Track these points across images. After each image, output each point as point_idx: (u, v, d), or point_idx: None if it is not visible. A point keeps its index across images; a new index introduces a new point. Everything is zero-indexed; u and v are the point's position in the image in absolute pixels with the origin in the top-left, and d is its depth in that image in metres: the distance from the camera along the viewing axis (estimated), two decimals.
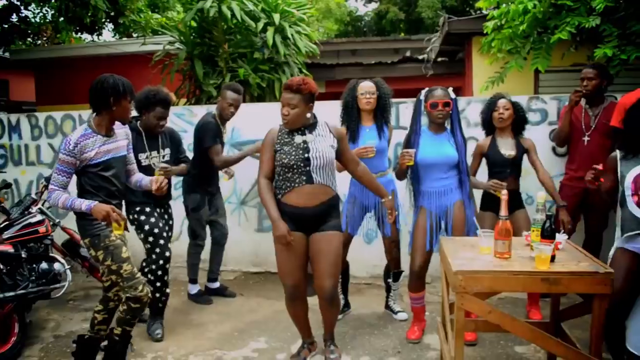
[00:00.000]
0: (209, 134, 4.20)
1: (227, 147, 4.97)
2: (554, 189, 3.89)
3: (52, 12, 8.91)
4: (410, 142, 3.54)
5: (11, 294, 3.61)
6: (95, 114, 3.03)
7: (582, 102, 4.15)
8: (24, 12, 9.72)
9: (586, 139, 4.11)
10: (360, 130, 3.83)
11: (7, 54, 9.80)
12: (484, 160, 3.95)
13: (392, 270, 4.04)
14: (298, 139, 3.09)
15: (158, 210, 3.94)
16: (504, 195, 2.72)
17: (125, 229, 3.02)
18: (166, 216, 4.07)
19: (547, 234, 2.59)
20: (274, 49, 6.07)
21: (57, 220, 4.58)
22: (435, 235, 3.51)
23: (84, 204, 2.90)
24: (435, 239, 3.48)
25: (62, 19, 8.39)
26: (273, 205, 3.07)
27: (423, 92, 3.55)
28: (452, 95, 3.48)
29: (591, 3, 4.24)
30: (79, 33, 10.76)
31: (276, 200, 3.13)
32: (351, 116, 3.81)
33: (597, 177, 3.06)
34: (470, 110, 4.73)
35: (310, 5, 7.12)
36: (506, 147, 3.83)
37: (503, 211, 2.67)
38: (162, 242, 3.80)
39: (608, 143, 4.04)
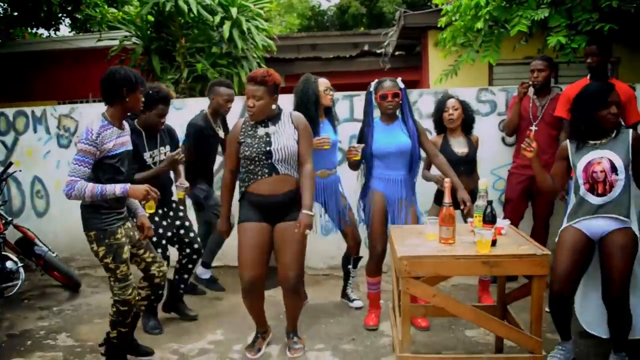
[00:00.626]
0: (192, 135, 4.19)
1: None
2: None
3: (4, 6, 8.69)
4: (364, 134, 3.61)
5: None
6: (108, 106, 3.01)
7: (530, 92, 4.28)
8: None
9: (534, 128, 4.23)
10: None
11: None
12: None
13: (353, 257, 4.10)
14: (261, 131, 3.12)
15: (160, 211, 3.72)
16: (446, 182, 2.80)
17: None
18: (171, 213, 3.83)
19: (489, 220, 2.70)
20: (232, 43, 6.06)
21: (10, 219, 4.50)
22: (392, 220, 3.58)
23: (118, 188, 2.88)
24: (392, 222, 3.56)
25: (15, 13, 8.18)
26: (227, 203, 3.30)
27: (372, 84, 3.61)
28: (401, 86, 3.56)
29: None
30: (35, 28, 10.50)
31: (242, 191, 3.19)
32: (316, 111, 3.81)
33: (530, 144, 3.09)
34: (422, 102, 4.82)
35: (268, 0, 7.12)
36: (458, 145, 3.92)
37: (446, 198, 2.76)
38: (160, 249, 3.66)
39: (554, 132, 4.20)
